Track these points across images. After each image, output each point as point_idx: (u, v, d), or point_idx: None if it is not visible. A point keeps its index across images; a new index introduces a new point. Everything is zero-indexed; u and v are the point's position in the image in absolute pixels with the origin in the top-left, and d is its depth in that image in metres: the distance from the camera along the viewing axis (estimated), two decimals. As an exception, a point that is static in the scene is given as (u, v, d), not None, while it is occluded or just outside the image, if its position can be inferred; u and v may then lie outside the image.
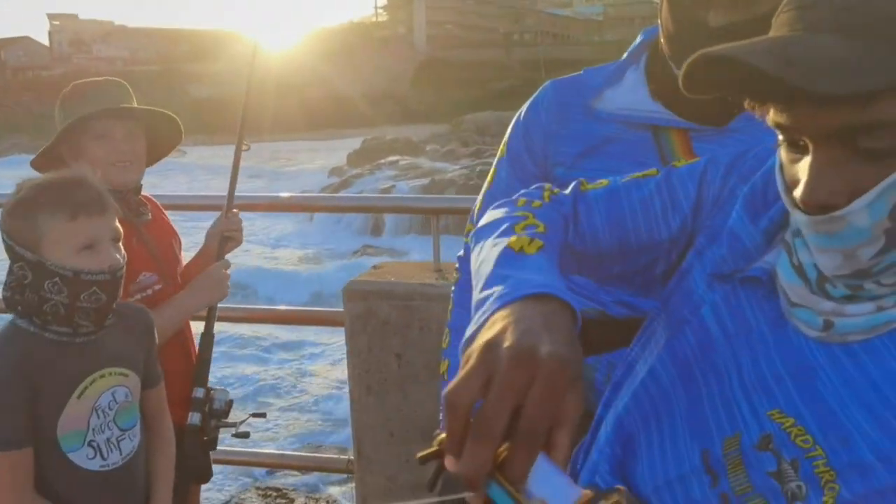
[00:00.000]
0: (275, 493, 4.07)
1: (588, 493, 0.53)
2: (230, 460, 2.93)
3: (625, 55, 1.26)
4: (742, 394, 0.70)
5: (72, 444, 1.35)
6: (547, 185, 0.94)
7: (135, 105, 1.74)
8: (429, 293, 2.16)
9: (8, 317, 1.40)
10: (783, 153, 0.68)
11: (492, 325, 0.64)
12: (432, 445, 0.60)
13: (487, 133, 27.13)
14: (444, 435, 0.59)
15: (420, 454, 0.61)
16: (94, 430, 1.38)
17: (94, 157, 1.64)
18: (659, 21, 1.16)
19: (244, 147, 1.96)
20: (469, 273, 1.37)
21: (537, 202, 0.89)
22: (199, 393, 1.74)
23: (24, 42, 74.77)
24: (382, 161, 21.01)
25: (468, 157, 21.05)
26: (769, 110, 0.66)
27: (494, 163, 1.36)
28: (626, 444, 0.80)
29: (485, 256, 0.79)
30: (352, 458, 2.36)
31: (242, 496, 4.04)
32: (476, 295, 0.74)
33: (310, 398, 6.46)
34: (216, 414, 1.75)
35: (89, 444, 1.37)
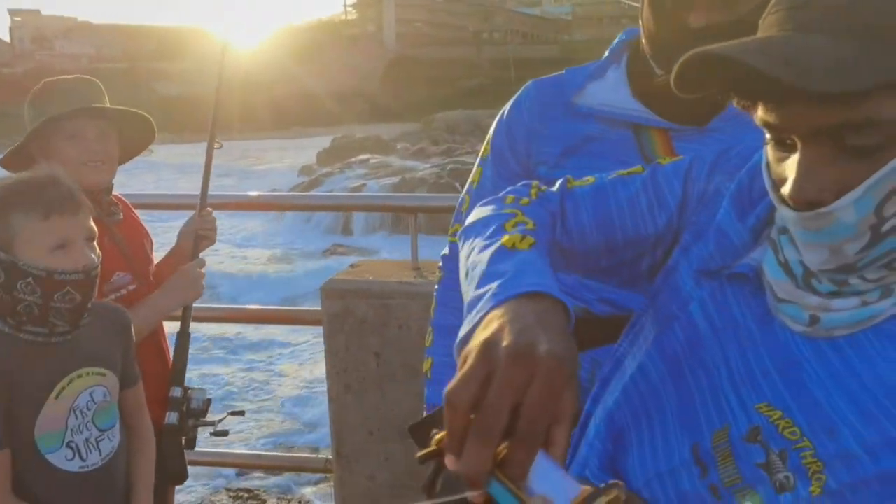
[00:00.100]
0: (246, 495, 4.03)
1: (588, 488, 0.54)
2: (205, 461, 2.91)
3: (606, 54, 1.27)
4: (730, 388, 0.72)
5: (50, 445, 1.33)
6: (534, 183, 0.94)
7: (107, 104, 1.71)
8: (407, 291, 2.16)
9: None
10: (770, 151, 0.69)
11: (488, 325, 0.64)
12: (430, 445, 0.60)
13: (458, 131, 27.13)
14: (441, 434, 0.59)
15: (419, 454, 0.61)
16: (72, 430, 1.36)
17: (65, 157, 1.62)
18: (640, 21, 1.18)
19: (216, 145, 1.95)
20: (454, 272, 1.38)
21: (525, 199, 0.90)
22: (176, 392, 1.73)
23: (-15, 38, 73.11)
24: (353, 159, 20.89)
25: (439, 156, 21.03)
26: (757, 109, 0.67)
27: (477, 161, 1.37)
28: (617, 439, 0.81)
29: (476, 255, 0.80)
30: (330, 457, 2.36)
31: (213, 498, 4.00)
32: (469, 294, 0.74)
33: (280, 399, 6.41)
34: (194, 413, 1.74)
35: (68, 445, 1.35)
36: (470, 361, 0.60)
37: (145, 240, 1.85)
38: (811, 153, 0.63)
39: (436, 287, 1.41)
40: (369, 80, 61.25)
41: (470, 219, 0.91)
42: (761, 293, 0.74)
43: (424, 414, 1.39)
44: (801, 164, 0.64)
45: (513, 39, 78.50)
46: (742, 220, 0.78)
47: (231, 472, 4.23)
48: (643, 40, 1.18)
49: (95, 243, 1.39)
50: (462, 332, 0.68)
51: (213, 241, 1.93)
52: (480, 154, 1.36)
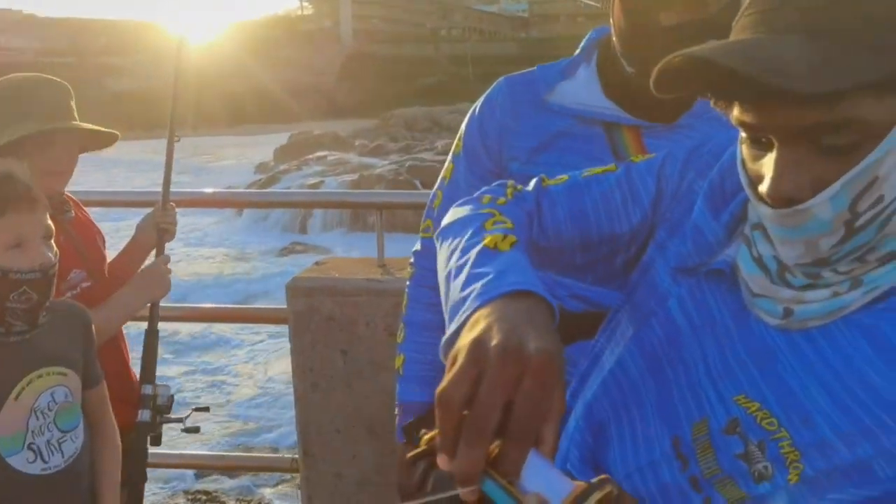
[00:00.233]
0: (205, 497, 3.98)
1: (581, 484, 0.54)
2: (168, 463, 2.85)
3: (577, 52, 1.28)
4: (708, 381, 0.73)
5: (10, 447, 1.30)
6: (509, 182, 0.95)
7: (74, 107, 1.68)
8: (374, 289, 2.15)
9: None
10: (745, 150, 0.70)
11: (475, 324, 0.64)
12: (420, 445, 0.60)
13: (416, 128, 27.08)
14: (431, 434, 0.59)
15: (410, 454, 0.61)
16: (33, 432, 1.33)
17: (30, 163, 1.59)
18: (611, 20, 1.19)
19: (175, 139, 1.93)
20: (425, 268, 1.38)
21: (502, 199, 0.90)
22: (147, 390, 1.73)
23: (-75, 30, 70.44)
24: (310, 156, 20.72)
25: (397, 153, 20.98)
26: (733, 109, 0.68)
27: (449, 157, 1.37)
28: (597, 433, 0.82)
29: (457, 255, 0.80)
30: (296, 456, 2.34)
31: (171, 502, 3.94)
32: (452, 294, 0.74)
33: (236, 400, 6.34)
34: (160, 409, 1.73)
35: (29, 448, 1.32)
36: (460, 361, 0.59)
37: (97, 236, 1.84)
38: (788, 152, 0.64)
39: (407, 283, 1.41)
40: (326, 76, 60.75)
41: (447, 219, 0.91)
42: (737, 289, 0.75)
43: (396, 411, 1.39)
44: (778, 163, 0.65)
45: (471, 36, 78.69)
46: (716, 218, 0.79)
47: (189, 474, 4.17)
48: (614, 38, 1.19)
49: (52, 241, 1.36)
50: (448, 332, 0.68)
51: (173, 236, 1.92)
52: (452, 150, 1.37)
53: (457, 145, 1.36)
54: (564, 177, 0.93)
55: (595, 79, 1.24)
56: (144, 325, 1.86)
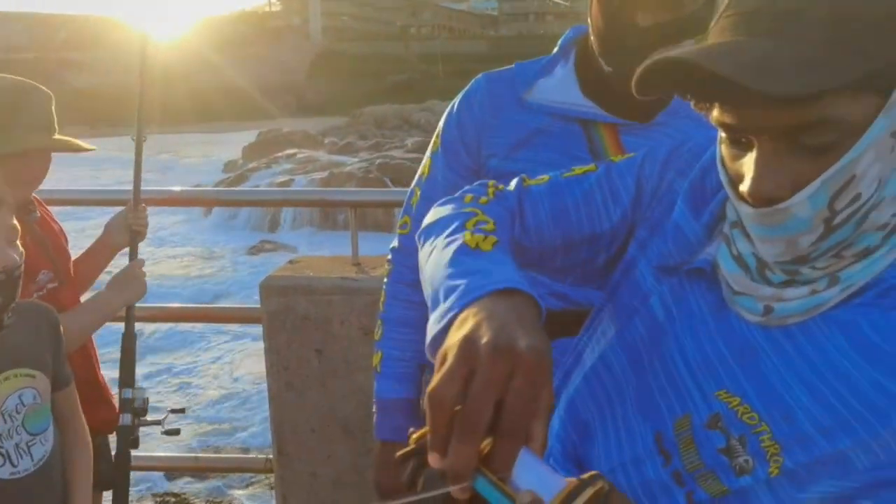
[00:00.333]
0: (174, 500, 3.93)
1: (573, 480, 0.55)
2: (141, 466, 2.81)
3: (555, 50, 1.29)
4: (690, 377, 0.74)
5: None
6: (491, 182, 0.95)
7: (53, 108, 1.64)
8: (349, 287, 2.14)
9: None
10: (725, 149, 0.71)
11: (463, 323, 0.64)
12: (409, 444, 0.60)
13: (386, 126, 26.96)
14: (420, 432, 0.59)
15: (399, 453, 0.60)
16: (1, 436, 1.29)
17: (8, 170, 1.55)
18: (589, 19, 1.20)
19: (144, 137, 1.91)
20: (403, 265, 1.38)
21: (484, 199, 0.91)
22: (127, 394, 1.72)
23: None
24: (279, 154, 20.51)
25: (367, 151, 20.87)
26: (713, 110, 0.69)
27: (427, 154, 1.37)
28: (580, 429, 0.83)
29: (439, 255, 0.79)
30: (269, 456, 2.32)
31: (139, 504, 3.88)
32: (437, 294, 0.74)
33: (204, 400, 6.27)
34: (137, 412, 1.72)
35: None
36: (450, 360, 0.59)
37: (62, 236, 1.81)
38: (768, 152, 0.65)
39: (384, 280, 1.41)
40: (295, 73, 60.28)
41: (428, 219, 0.91)
42: (717, 287, 0.76)
43: (374, 408, 1.39)
44: (758, 163, 0.66)
45: (440, 34, 78.69)
46: (697, 217, 0.80)
47: (157, 476, 4.11)
48: (592, 38, 1.20)
49: (18, 242, 1.33)
50: (433, 331, 0.68)
51: (144, 237, 1.90)
52: (430, 147, 1.37)
53: (434, 142, 1.36)
54: (545, 177, 0.94)
55: (573, 77, 1.25)
56: (115, 325, 1.84)
